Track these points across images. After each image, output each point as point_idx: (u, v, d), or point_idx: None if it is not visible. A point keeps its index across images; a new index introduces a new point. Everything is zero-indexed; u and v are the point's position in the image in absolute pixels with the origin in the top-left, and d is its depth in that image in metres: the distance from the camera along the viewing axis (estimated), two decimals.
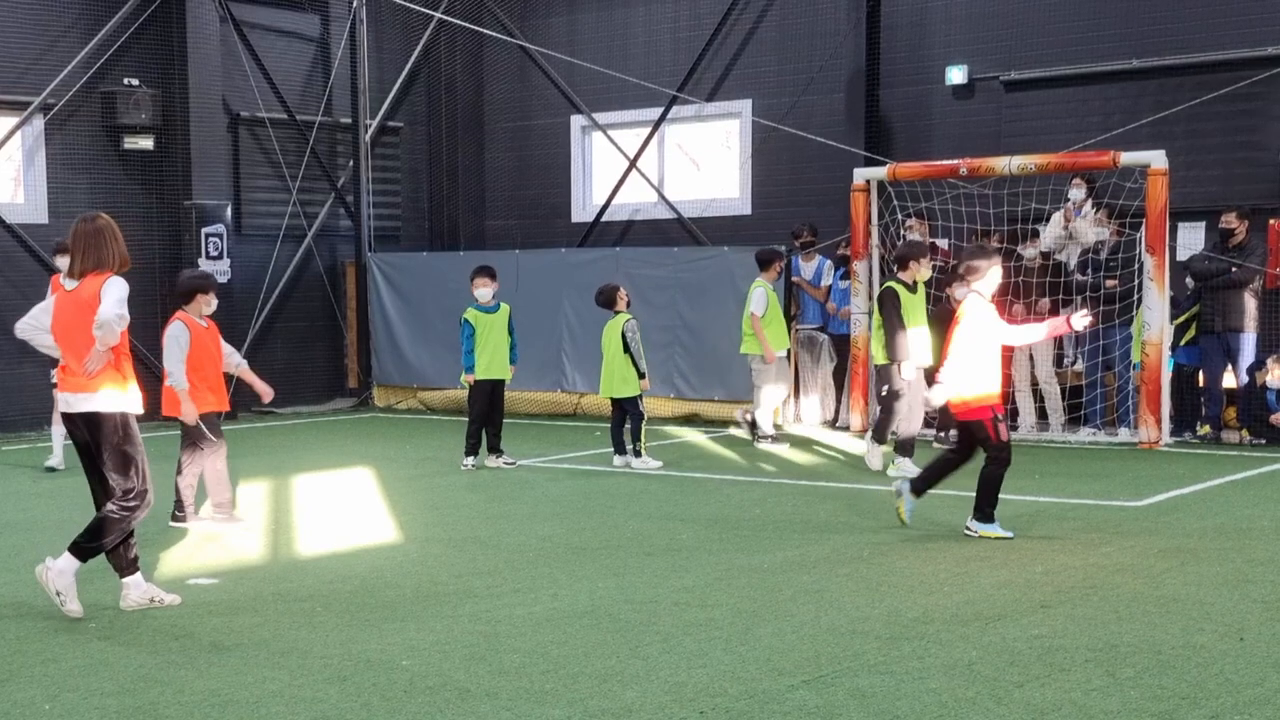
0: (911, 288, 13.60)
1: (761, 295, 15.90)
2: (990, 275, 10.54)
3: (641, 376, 14.57)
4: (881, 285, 13.84)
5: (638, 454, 14.56)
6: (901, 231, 17.20)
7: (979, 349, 10.38)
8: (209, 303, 11.57)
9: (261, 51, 20.89)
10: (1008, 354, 14.98)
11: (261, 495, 13.10)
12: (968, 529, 10.48)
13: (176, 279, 11.89)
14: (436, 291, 20.06)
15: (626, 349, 14.51)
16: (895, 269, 13.77)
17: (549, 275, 19.31)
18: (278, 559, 10.21)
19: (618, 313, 14.69)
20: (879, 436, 13.99)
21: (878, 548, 10.15)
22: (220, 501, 11.44)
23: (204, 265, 19.25)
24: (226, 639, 7.80)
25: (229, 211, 20.14)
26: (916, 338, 13.47)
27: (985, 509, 10.45)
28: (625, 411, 14.67)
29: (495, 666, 7.12)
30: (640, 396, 14.65)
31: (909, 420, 13.70)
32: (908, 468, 13.25)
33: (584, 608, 8.38)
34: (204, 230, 19.62)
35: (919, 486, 10.89)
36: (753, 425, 16.28)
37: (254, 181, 21.07)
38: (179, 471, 11.45)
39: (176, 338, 11.24)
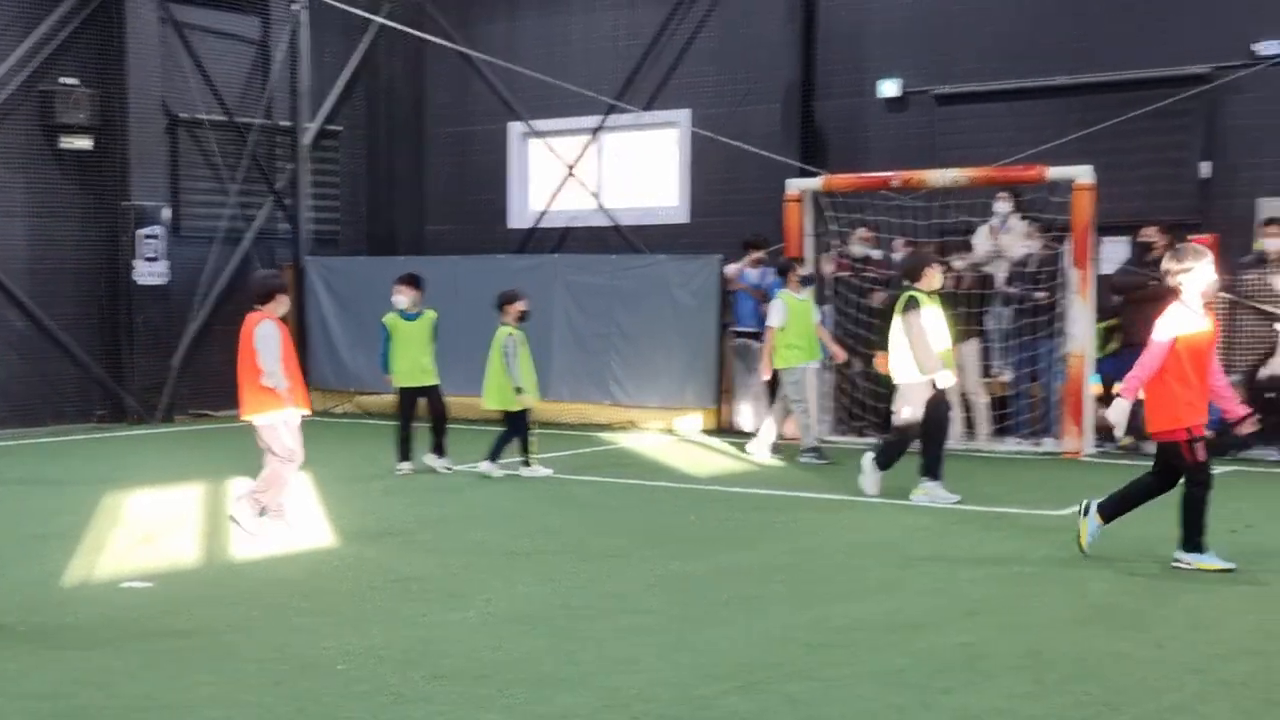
0: (930, 297, 12.79)
1: (780, 307, 15.46)
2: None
3: (518, 391, 14.25)
4: (900, 292, 12.85)
5: (527, 463, 14.39)
6: (836, 242, 17.38)
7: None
8: (285, 303, 11.45)
9: (201, 53, 20.82)
10: None
11: (197, 498, 13.07)
12: (1176, 561, 9.69)
13: (251, 278, 11.63)
14: (374, 296, 19.93)
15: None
16: (908, 279, 12.90)
17: (487, 282, 19.26)
18: (212, 562, 10.20)
19: (504, 323, 14.49)
20: (884, 461, 12.90)
21: (810, 555, 10.26)
22: (277, 505, 11.22)
23: (141, 267, 19.19)
24: (160, 642, 7.78)
25: (167, 213, 20.04)
26: (937, 349, 12.60)
27: (1194, 538, 9.68)
28: (514, 424, 14.44)
29: (430, 671, 7.15)
30: (526, 411, 14.39)
31: (935, 438, 12.81)
32: (940, 495, 12.57)
33: (519, 613, 8.44)
34: (141, 231, 19.52)
35: (1109, 512, 10.04)
36: (815, 449, 15.57)
37: (192, 183, 20.97)
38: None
39: (272, 337, 10.98)
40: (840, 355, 16.20)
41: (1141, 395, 9.64)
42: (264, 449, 11.10)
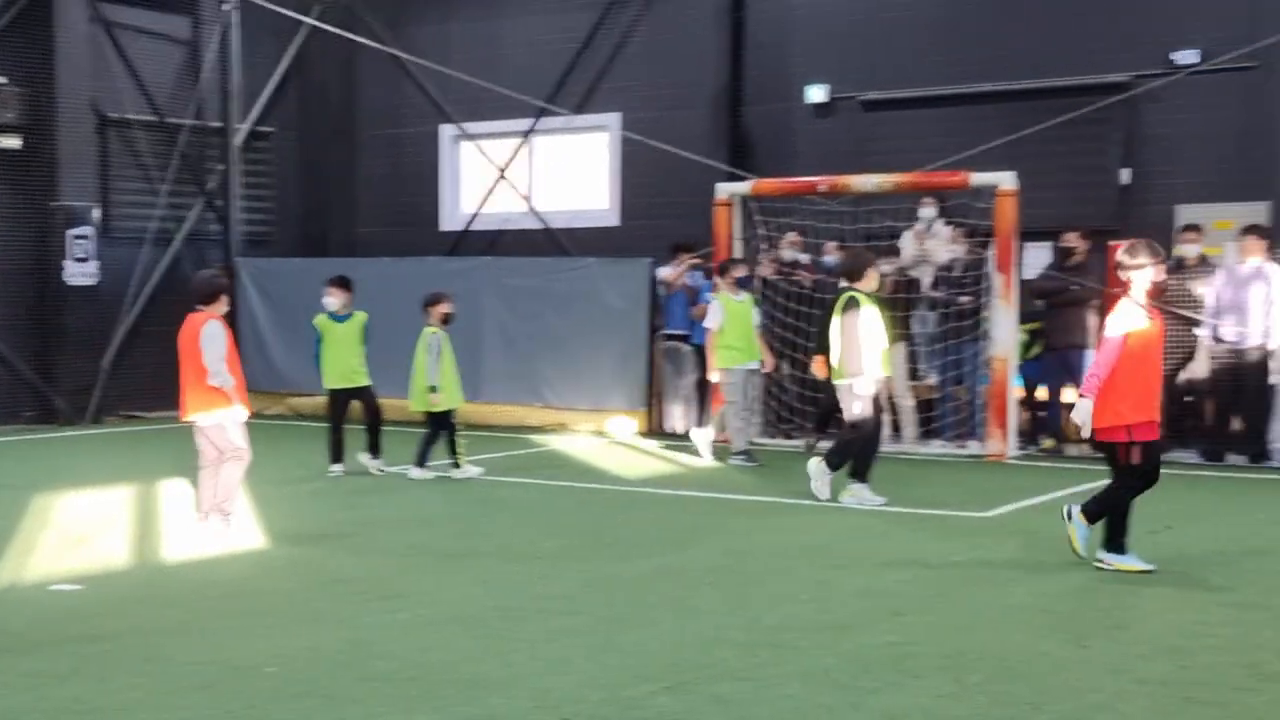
0: (869, 298, 12.77)
1: (717, 309, 15.46)
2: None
3: (431, 390, 14.24)
4: (841, 293, 12.80)
5: (457, 465, 14.41)
6: (765, 247, 17.50)
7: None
8: (227, 303, 11.34)
9: (131, 53, 20.71)
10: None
11: (128, 499, 13.01)
12: (1098, 561, 9.73)
13: (195, 279, 11.50)
14: (306, 298, 19.77)
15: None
16: (847, 280, 12.86)
17: (419, 284, 19.19)
18: (143, 564, 10.17)
19: (429, 325, 14.48)
20: (834, 462, 12.78)
21: (738, 556, 10.34)
22: (225, 508, 11.15)
23: (70, 267, 19.05)
24: (90, 645, 7.76)
25: (96, 213, 19.90)
26: (876, 350, 12.68)
27: (1117, 538, 9.72)
28: (438, 425, 14.45)
29: (362, 673, 7.18)
30: (451, 412, 14.40)
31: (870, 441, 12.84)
32: (867, 497, 12.60)
33: (450, 614, 8.48)
34: (71, 232, 19.38)
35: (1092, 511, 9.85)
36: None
37: (122, 184, 20.84)
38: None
39: (218, 336, 10.91)
40: (770, 364, 16.14)
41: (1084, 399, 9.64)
42: (208, 450, 11.00)
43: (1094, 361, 9.68)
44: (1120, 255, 9.87)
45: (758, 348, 15.71)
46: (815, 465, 12.85)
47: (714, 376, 15.60)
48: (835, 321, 12.70)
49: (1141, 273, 9.67)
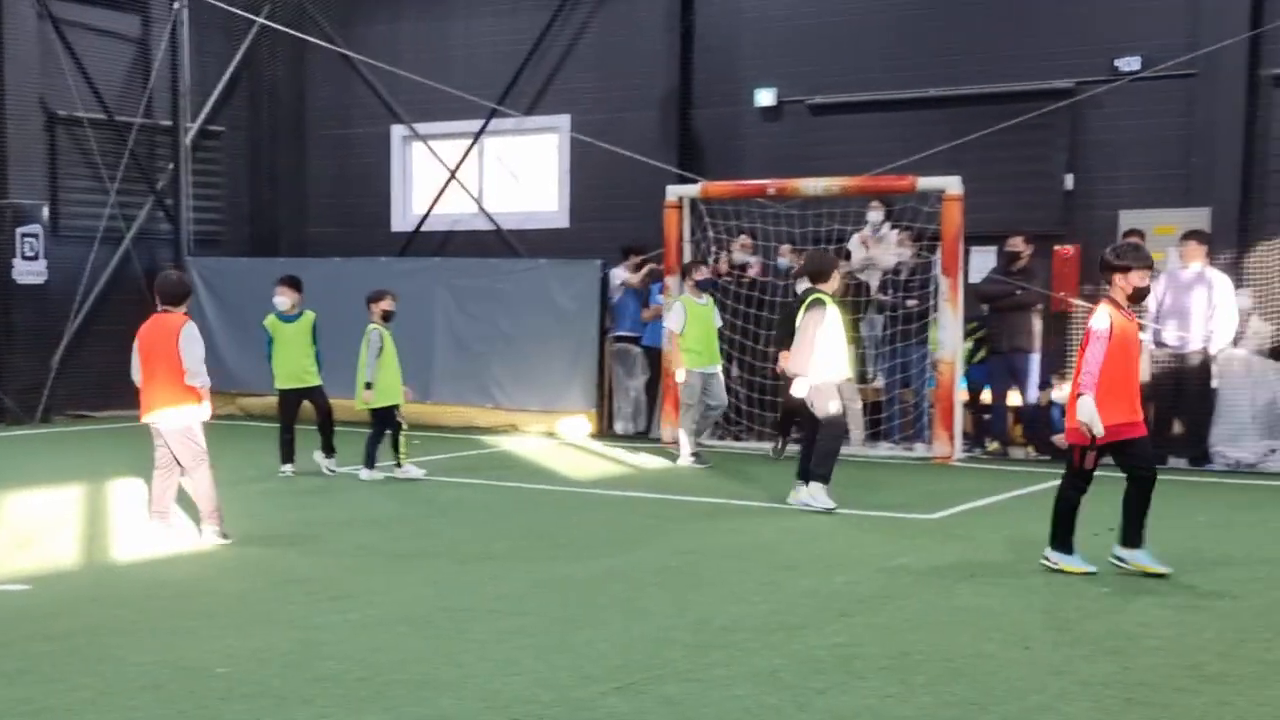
0: (831, 298, 12.70)
1: (678, 310, 15.57)
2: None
3: (367, 387, 14.21)
4: (805, 294, 12.70)
5: (399, 464, 14.36)
6: (715, 250, 17.58)
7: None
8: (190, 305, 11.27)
9: (80, 50, 20.59)
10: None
11: (77, 499, 12.96)
12: (1044, 558, 9.86)
13: (164, 280, 11.16)
14: (257, 297, 19.72)
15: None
16: (811, 281, 12.79)
17: (370, 284, 19.15)
18: (93, 564, 10.14)
19: (371, 322, 14.47)
20: (823, 474, 12.49)
21: (687, 558, 10.39)
22: (163, 511, 11.07)
23: (19, 265, 18.93)
24: (39, 645, 7.73)
25: (45, 211, 19.79)
26: (838, 350, 12.63)
27: (1064, 537, 9.83)
28: (382, 423, 14.44)
29: (312, 674, 7.19)
30: (394, 408, 14.32)
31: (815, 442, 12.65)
32: (823, 498, 12.46)
33: (400, 615, 8.50)
34: (19, 230, 19.26)
35: (1132, 537, 9.75)
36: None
37: (72, 182, 20.75)
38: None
39: (198, 338, 10.83)
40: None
41: (1059, 399, 9.44)
42: (171, 452, 10.85)
43: (1084, 359, 9.48)
44: (1106, 256, 9.75)
45: (717, 351, 15.73)
46: (807, 492, 12.48)
47: (679, 377, 15.55)
48: (800, 321, 12.62)
49: (1125, 276, 9.58)
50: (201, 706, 6.66)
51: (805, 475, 12.68)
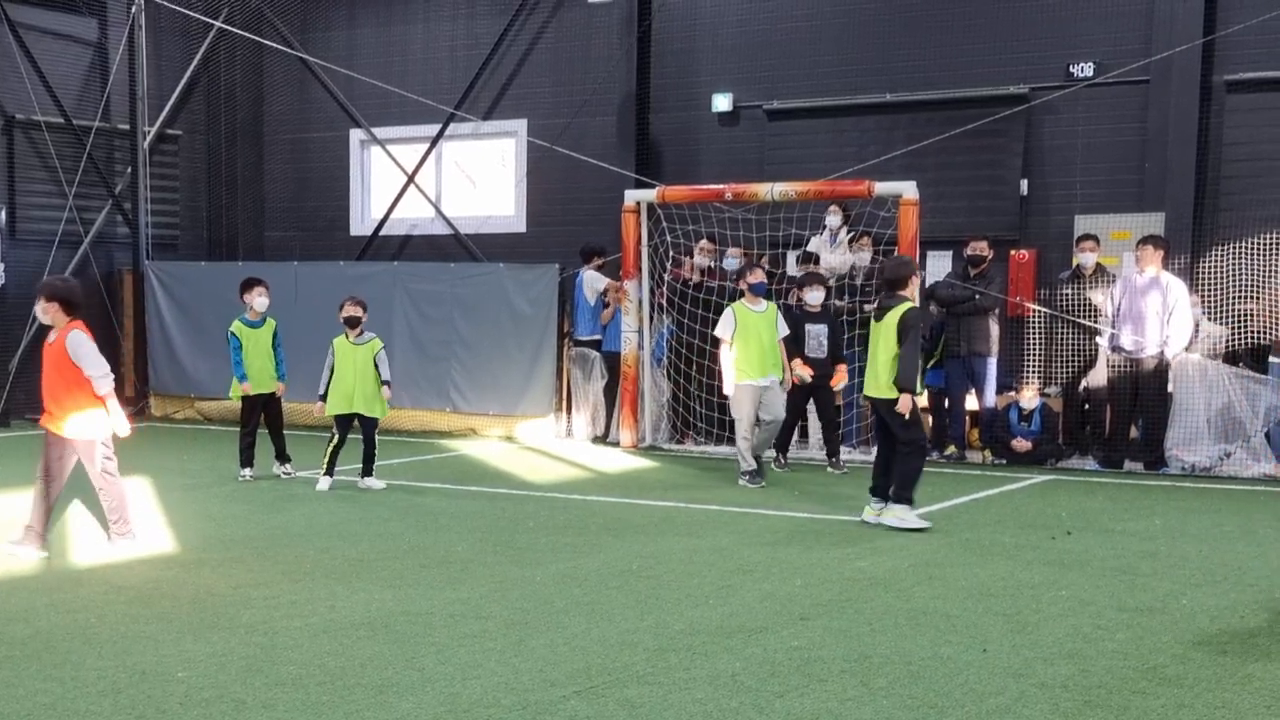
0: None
1: (728, 318, 14.33)
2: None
3: (320, 399, 14.24)
4: (899, 308, 11.75)
5: (327, 470, 14.19)
6: (672, 255, 17.62)
7: None
8: None
9: (37, 54, 20.48)
10: None
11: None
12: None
13: (64, 286, 10.51)
14: (215, 301, 19.86)
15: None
16: (891, 289, 11.97)
17: (327, 288, 19.23)
18: (51, 569, 10.08)
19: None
20: (907, 496, 11.85)
21: (647, 561, 10.42)
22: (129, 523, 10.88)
23: None
24: None
25: (3, 215, 19.67)
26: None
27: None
28: (342, 429, 14.27)
29: (272, 678, 7.18)
30: (353, 417, 14.22)
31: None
32: (913, 519, 11.80)
33: (360, 619, 8.49)
34: None
35: None
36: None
37: (29, 185, 20.65)
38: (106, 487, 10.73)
39: (91, 343, 10.31)
40: (800, 375, 15.10)
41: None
42: (94, 462, 10.60)
43: None
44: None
45: (769, 362, 14.33)
46: (892, 514, 11.83)
47: (727, 390, 14.44)
48: (882, 333, 11.84)
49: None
50: (161, 712, 6.64)
51: (879, 491, 12.08)
